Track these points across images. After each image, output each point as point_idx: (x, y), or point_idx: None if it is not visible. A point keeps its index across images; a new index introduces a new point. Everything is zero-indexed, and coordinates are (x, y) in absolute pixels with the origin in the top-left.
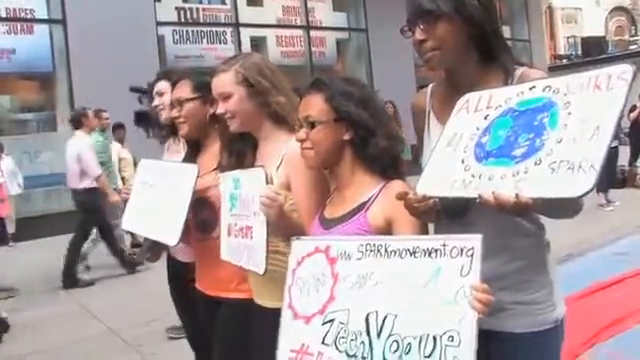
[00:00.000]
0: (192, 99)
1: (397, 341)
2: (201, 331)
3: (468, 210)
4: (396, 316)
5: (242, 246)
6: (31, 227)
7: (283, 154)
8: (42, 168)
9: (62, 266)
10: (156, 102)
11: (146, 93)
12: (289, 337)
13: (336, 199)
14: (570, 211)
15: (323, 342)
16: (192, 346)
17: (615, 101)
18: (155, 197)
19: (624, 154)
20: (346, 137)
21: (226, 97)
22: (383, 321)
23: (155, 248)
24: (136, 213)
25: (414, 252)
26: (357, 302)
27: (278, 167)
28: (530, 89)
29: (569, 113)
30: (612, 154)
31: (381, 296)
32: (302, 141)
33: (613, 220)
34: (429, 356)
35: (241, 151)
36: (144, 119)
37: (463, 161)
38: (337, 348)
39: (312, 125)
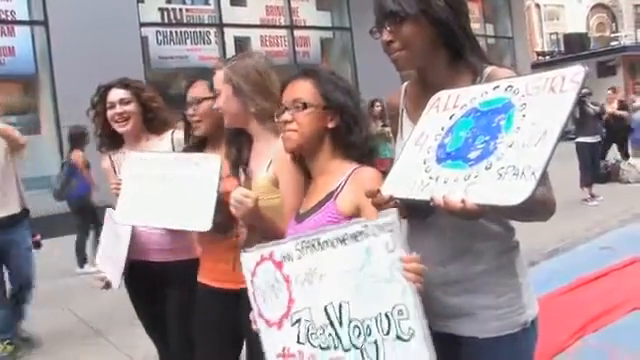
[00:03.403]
0: (209, 98)
1: (358, 326)
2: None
3: (431, 211)
4: (348, 303)
5: None
6: None
7: (272, 156)
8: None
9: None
10: (118, 110)
11: None
12: (271, 344)
13: (309, 192)
14: (538, 214)
15: (298, 341)
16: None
17: (564, 104)
18: (167, 187)
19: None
20: (330, 125)
21: (217, 94)
22: (340, 310)
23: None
24: (139, 206)
25: (343, 240)
26: (313, 298)
27: (268, 166)
28: (494, 89)
29: (523, 115)
30: (595, 149)
31: (330, 287)
32: (287, 123)
33: (597, 214)
34: (388, 333)
35: (239, 146)
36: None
37: (425, 162)
38: (311, 344)
39: (303, 106)
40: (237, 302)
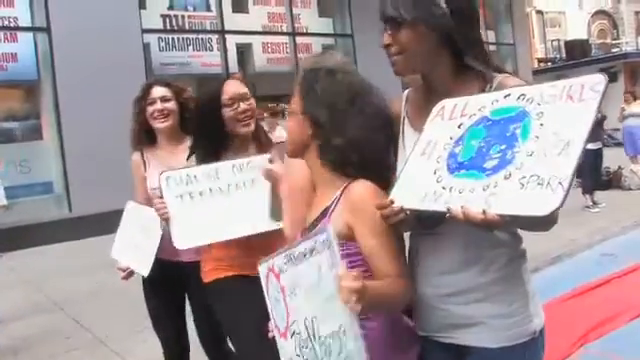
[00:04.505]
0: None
1: (324, 343)
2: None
3: (440, 221)
4: (316, 318)
5: None
6: (19, 237)
7: None
8: (28, 177)
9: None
10: (159, 106)
11: None
12: (283, 354)
13: (313, 202)
14: (543, 224)
15: (297, 354)
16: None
17: (586, 114)
18: (226, 197)
19: (608, 156)
20: (310, 132)
21: None
22: (312, 325)
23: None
24: (199, 225)
25: (305, 254)
26: (296, 312)
27: None
28: (505, 97)
29: (541, 124)
30: (596, 156)
31: (304, 302)
32: None
33: (599, 221)
34: (340, 352)
35: None
36: None
37: (435, 172)
38: (302, 357)
39: (289, 113)
40: None
